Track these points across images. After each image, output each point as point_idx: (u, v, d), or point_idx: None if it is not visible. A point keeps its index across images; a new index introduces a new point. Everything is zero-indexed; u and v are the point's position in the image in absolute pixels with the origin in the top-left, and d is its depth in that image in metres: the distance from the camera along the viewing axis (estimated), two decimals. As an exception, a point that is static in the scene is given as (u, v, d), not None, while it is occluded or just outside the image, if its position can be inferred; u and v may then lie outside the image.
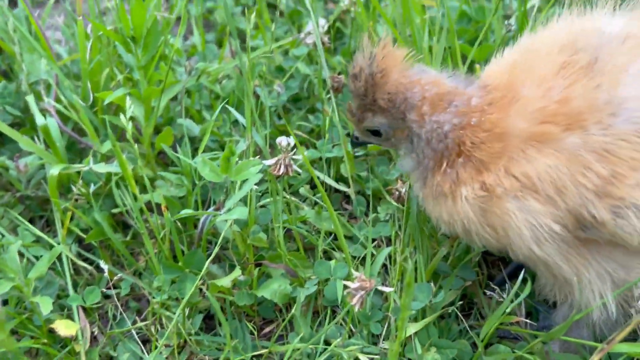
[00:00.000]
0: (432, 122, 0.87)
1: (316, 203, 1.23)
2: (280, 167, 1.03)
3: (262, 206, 1.15)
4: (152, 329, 1.07)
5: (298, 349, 0.95)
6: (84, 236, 1.13)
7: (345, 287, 0.84)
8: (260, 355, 1.01)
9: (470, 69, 1.34)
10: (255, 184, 1.02)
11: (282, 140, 1.03)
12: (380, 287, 0.85)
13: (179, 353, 1.05)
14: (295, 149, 1.03)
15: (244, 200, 1.12)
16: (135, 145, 1.05)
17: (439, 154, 0.87)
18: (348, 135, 1.01)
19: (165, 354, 1.03)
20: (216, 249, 0.99)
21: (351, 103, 0.94)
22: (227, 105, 1.14)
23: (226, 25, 1.62)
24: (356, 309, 0.80)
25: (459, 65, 1.32)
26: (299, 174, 1.15)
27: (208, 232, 1.09)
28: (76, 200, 1.16)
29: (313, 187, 1.28)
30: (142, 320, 1.09)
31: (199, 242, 1.09)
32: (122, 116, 1.04)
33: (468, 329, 1.02)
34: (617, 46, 0.82)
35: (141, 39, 1.10)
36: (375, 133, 0.94)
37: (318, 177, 1.27)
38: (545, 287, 0.93)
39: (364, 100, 0.90)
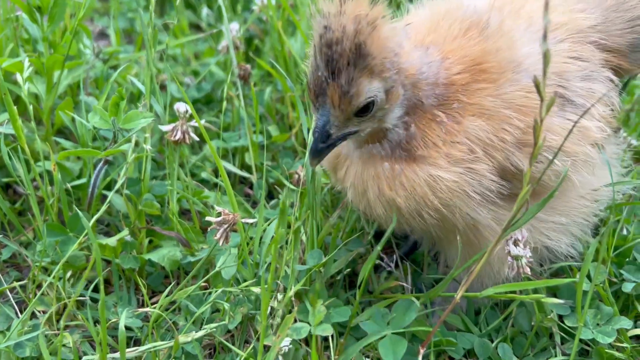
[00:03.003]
0: (426, 65, 0.83)
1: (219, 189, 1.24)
2: (177, 132, 1.04)
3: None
4: (32, 297, 1.02)
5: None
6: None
7: (209, 223, 0.83)
8: (147, 317, 0.98)
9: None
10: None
11: (179, 106, 1.04)
12: (244, 220, 0.86)
13: (57, 320, 1.00)
14: (191, 116, 1.04)
15: (138, 169, 1.12)
16: (30, 107, 1.04)
17: (431, 112, 0.84)
18: (319, 151, 0.82)
19: (42, 319, 0.98)
20: (103, 208, 0.97)
21: (335, 82, 0.77)
22: (130, 77, 1.15)
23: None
24: (220, 243, 0.80)
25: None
26: (197, 142, 1.15)
27: (99, 197, 1.07)
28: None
29: (215, 176, 1.29)
30: (22, 288, 1.04)
31: (89, 206, 1.07)
32: (18, 75, 1.03)
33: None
34: (498, 14, 0.90)
35: (47, 9, 1.11)
36: (365, 109, 0.81)
37: (224, 167, 1.30)
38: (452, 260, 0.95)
39: (358, 64, 0.75)
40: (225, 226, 0.82)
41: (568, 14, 0.93)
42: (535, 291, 0.94)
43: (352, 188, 0.89)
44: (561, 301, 0.82)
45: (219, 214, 0.83)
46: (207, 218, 0.85)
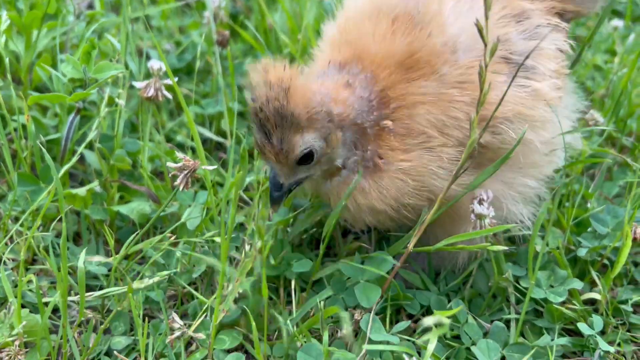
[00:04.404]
0: (357, 99, 0.87)
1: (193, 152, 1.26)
2: (150, 89, 1.06)
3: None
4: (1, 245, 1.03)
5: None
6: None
7: (170, 169, 0.85)
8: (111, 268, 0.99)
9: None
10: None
11: (153, 64, 1.06)
12: (204, 167, 0.87)
13: (26, 269, 1.01)
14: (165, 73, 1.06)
15: (112, 126, 1.14)
16: (7, 60, 1.05)
17: (377, 128, 0.88)
18: (275, 198, 0.90)
19: (11, 266, 1.00)
20: (74, 159, 0.99)
21: (269, 143, 0.85)
22: (108, 35, 1.17)
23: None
24: (181, 188, 0.82)
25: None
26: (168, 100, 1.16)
27: (71, 152, 1.09)
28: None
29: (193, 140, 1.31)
30: (-8, 237, 1.05)
31: (63, 157, 1.08)
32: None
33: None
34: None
35: (27, -34, 1.13)
36: (307, 157, 0.87)
37: (200, 132, 1.32)
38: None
39: (284, 124, 0.83)
40: (186, 172, 0.84)
41: None
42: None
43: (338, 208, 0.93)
44: (506, 248, 0.84)
45: (179, 160, 0.85)
46: (168, 164, 0.86)
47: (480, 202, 0.89)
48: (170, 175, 0.86)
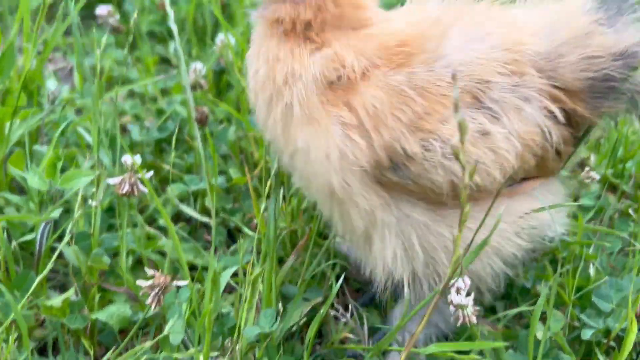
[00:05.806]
0: None
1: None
2: (124, 185, 1.02)
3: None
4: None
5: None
6: None
7: (140, 287, 0.81)
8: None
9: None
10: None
11: (127, 159, 1.02)
12: (176, 282, 0.83)
13: (4, 385, 0.97)
14: (139, 169, 1.02)
15: (88, 221, 1.10)
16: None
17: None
18: None
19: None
20: (49, 266, 0.95)
21: None
22: (78, 128, 1.13)
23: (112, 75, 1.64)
24: (152, 307, 0.78)
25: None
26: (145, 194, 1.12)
27: (48, 252, 1.05)
28: None
29: (176, 220, 1.28)
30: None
31: (37, 264, 1.04)
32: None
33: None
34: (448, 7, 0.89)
35: (-6, 62, 1.10)
36: None
37: (184, 211, 1.27)
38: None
39: None
40: (157, 290, 0.79)
41: (517, 32, 0.89)
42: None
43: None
44: (506, 344, 0.79)
45: (150, 277, 0.81)
46: (138, 282, 0.82)
47: (458, 291, 0.83)
48: (140, 293, 0.82)
